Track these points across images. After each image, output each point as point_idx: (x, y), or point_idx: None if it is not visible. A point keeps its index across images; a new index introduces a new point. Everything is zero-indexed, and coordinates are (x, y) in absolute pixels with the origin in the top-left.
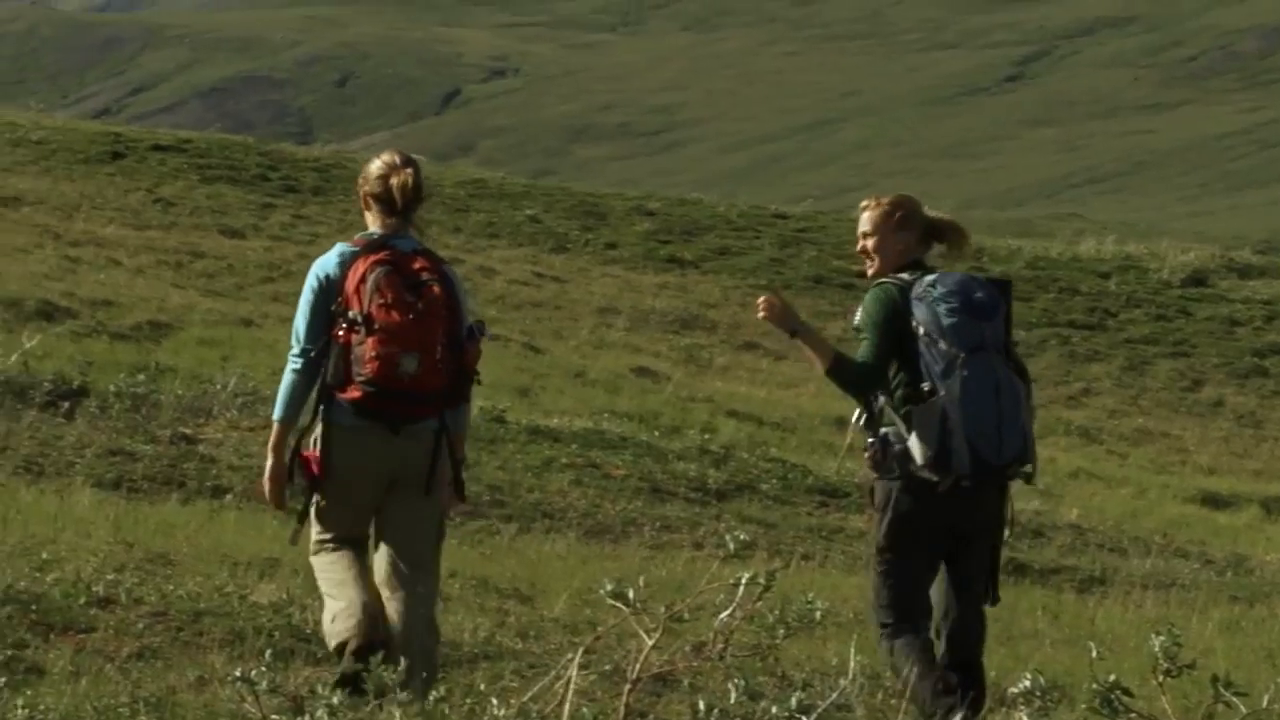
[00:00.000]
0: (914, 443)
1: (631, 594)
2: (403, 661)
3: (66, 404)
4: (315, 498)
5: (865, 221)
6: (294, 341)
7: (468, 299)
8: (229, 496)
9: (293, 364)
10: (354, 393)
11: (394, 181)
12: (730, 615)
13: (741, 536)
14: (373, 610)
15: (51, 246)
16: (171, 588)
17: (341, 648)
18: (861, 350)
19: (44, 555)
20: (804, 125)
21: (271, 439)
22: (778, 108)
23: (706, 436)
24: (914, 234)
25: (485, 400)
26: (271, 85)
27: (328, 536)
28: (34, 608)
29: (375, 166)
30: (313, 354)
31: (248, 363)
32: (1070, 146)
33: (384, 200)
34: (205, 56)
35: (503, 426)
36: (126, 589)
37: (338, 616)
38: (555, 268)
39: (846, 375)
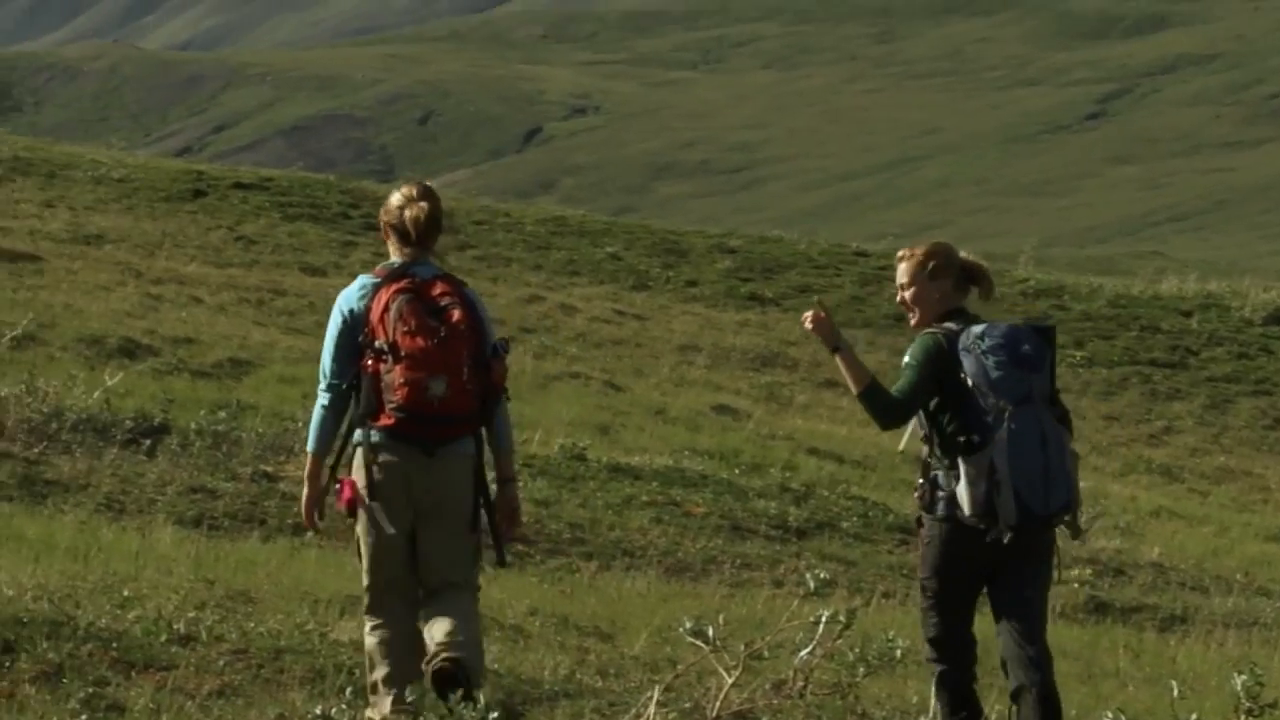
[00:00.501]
0: (962, 492)
1: (711, 632)
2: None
3: (148, 441)
4: (358, 539)
5: (902, 273)
6: (321, 376)
7: (489, 320)
8: (309, 534)
9: (322, 399)
10: (386, 419)
11: (408, 214)
12: (810, 653)
13: (822, 574)
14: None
15: (133, 284)
16: (252, 625)
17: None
18: (898, 384)
19: (125, 593)
20: (885, 163)
21: (307, 469)
22: (859, 145)
23: (787, 474)
24: (949, 281)
25: (566, 438)
26: (353, 123)
27: (377, 585)
28: (115, 645)
29: (395, 199)
30: (341, 387)
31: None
32: (1152, 184)
33: (401, 231)
34: (287, 94)
35: (583, 464)
36: (207, 626)
37: (381, 694)
38: (636, 305)
39: (877, 402)
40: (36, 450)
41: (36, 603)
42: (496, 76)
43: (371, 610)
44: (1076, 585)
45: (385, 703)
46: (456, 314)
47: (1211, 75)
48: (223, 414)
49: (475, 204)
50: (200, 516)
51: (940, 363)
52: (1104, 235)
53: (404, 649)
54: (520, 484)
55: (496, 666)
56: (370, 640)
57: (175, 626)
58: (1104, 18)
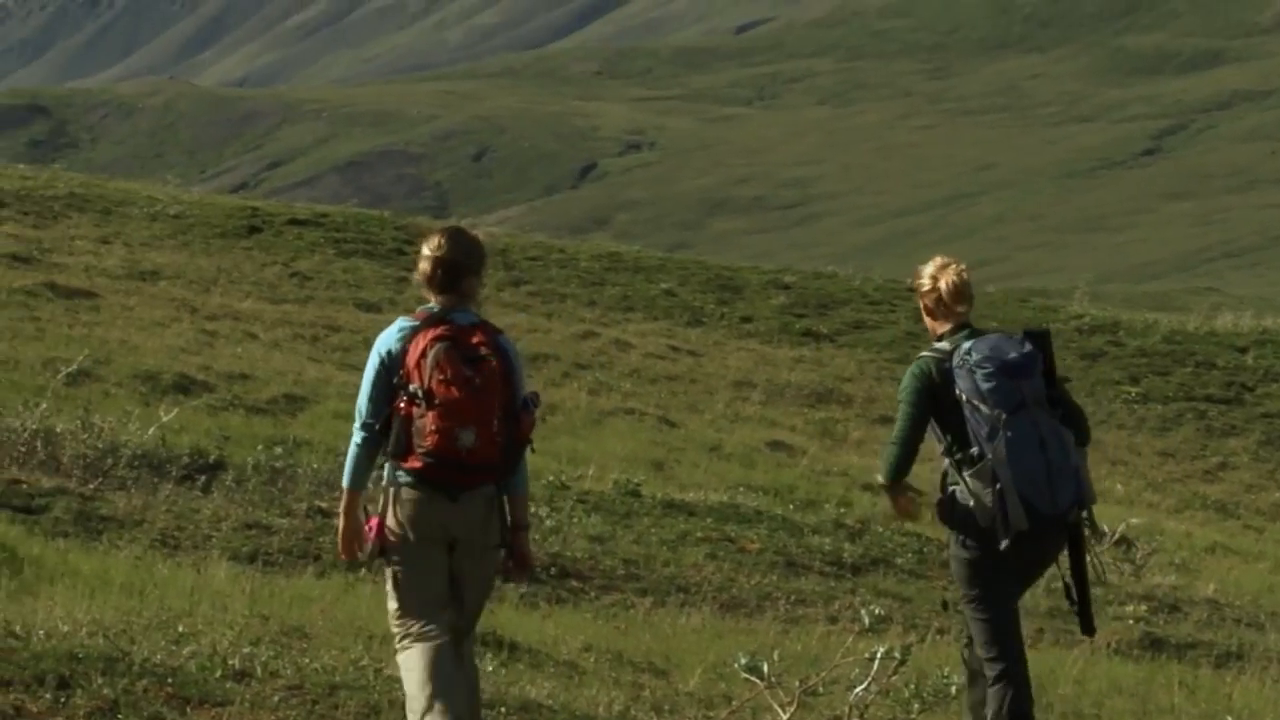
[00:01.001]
0: (974, 504)
1: (766, 668)
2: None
3: (203, 477)
4: (390, 571)
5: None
6: (357, 415)
7: (522, 371)
8: (364, 570)
9: (356, 436)
10: (415, 463)
11: (426, 263)
12: (865, 689)
13: (876, 611)
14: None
15: (188, 320)
16: (307, 661)
17: None
18: (894, 430)
19: (180, 628)
20: (940, 199)
21: (343, 504)
22: (913, 181)
23: (842, 510)
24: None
25: (620, 474)
26: (408, 159)
27: (404, 613)
28: (170, 681)
29: (424, 247)
30: (376, 427)
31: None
32: (1207, 220)
33: (429, 278)
34: (342, 131)
35: (638, 500)
36: (262, 662)
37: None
38: (690, 341)
39: (888, 472)
40: (92, 486)
41: (92, 638)
42: (551, 113)
43: (404, 635)
44: (1132, 621)
45: None
46: (492, 364)
47: (1267, 111)
48: (278, 450)
49: (530, 240)
50: (255, 552)
51: (929, 387)
52: (1159, 271)
53: (439, 666)
54: (533, 531)
55: (551, 702)
56: (401, 661)
57: (230, 662)
58: (1159, 54)
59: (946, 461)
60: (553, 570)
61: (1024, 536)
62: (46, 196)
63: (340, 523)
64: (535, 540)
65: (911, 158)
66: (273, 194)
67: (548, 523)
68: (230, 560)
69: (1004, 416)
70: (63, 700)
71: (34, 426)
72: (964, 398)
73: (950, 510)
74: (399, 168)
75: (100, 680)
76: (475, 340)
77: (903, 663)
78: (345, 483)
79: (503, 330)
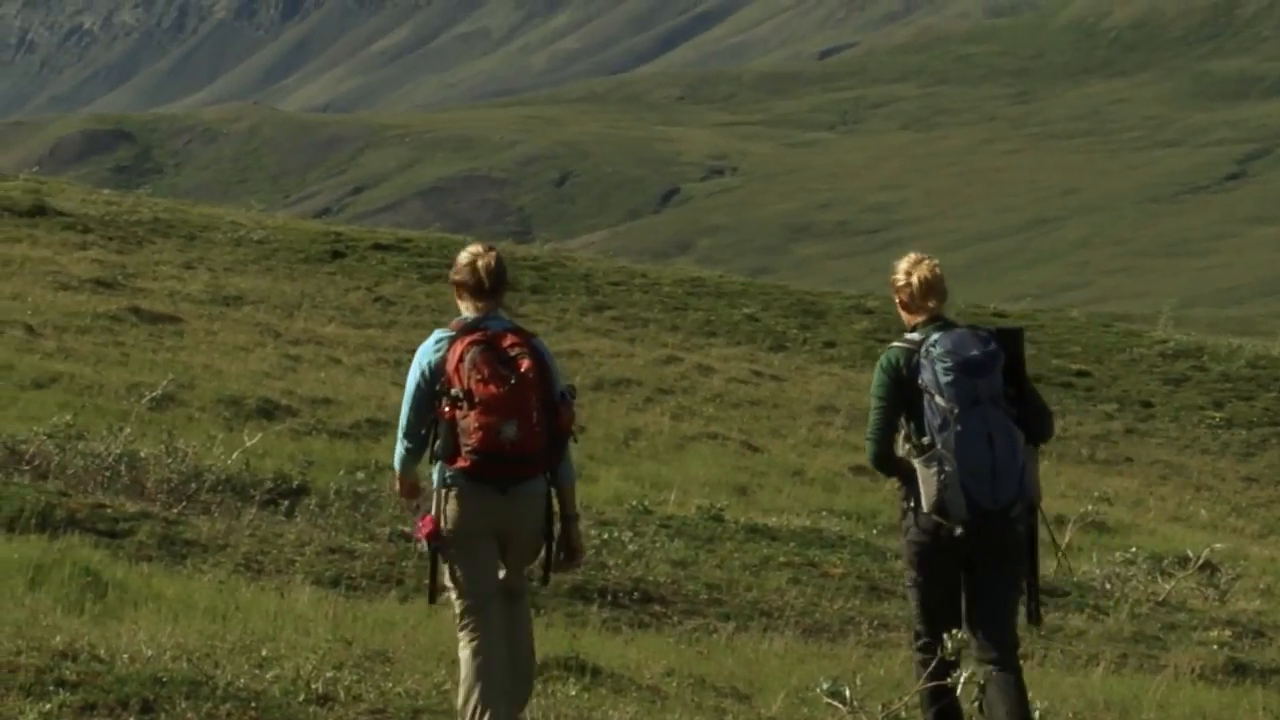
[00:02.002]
0: (920, 490)
1: (849, 693)
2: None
3: (286, 502)
4: (444, 568)
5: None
6: (401, 425)
7: (557, 368)
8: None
9: (401, 445)
10: (463, 462)
11: (480, 265)
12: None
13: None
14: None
15: (272, 345)
16: (390, 685)
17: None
18: (868, 426)
19: (264, 652)
20: (1023, 223)
21: (399, 475)
22: (997, 206)
23: None
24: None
25: (703, 499)
26: (491, 184)
27: (466, 605)
28: (253, 705)
29: (464, 256)
30: (420, 434)
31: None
32: None
33: (473, 284)
34: (425, 156)
35: (720, 525)
36: (345, 686)
37: (470, 710)
38: (773, 366)
39: (873, 465)
40: (176, 510)
41: (175, 662)
42: (634, 138)
43: (467, 627)
44: (1215, 647)
45: None
46: (526, 363)
47: None
48: (361, 474)
49: (612, 265)
50: (338, 577)
51: (897, 378)
52: (1243, 296)
53: (496, 662)
54: (581, 521)
55: None
56: (465, 654)
57: (313, 686)
58: (1243, 78)
59: (907, 446)
60: (635, 595)
61: (965, 527)
62: (131, 222)
63: (398, 487)
64: (618, 565)
65: (994, 182)
66: (356, 219)
67: (630, 547)
68: (313, 585)
69: (957, 410)
70: None
71: (118, 451)
72: (925, 388)
73: (905, 492)
74: (482, 193)
75: (184, 704)
76: (508, 343)
77: (984, 688)
78: (397, 470)
79: (536, 334)
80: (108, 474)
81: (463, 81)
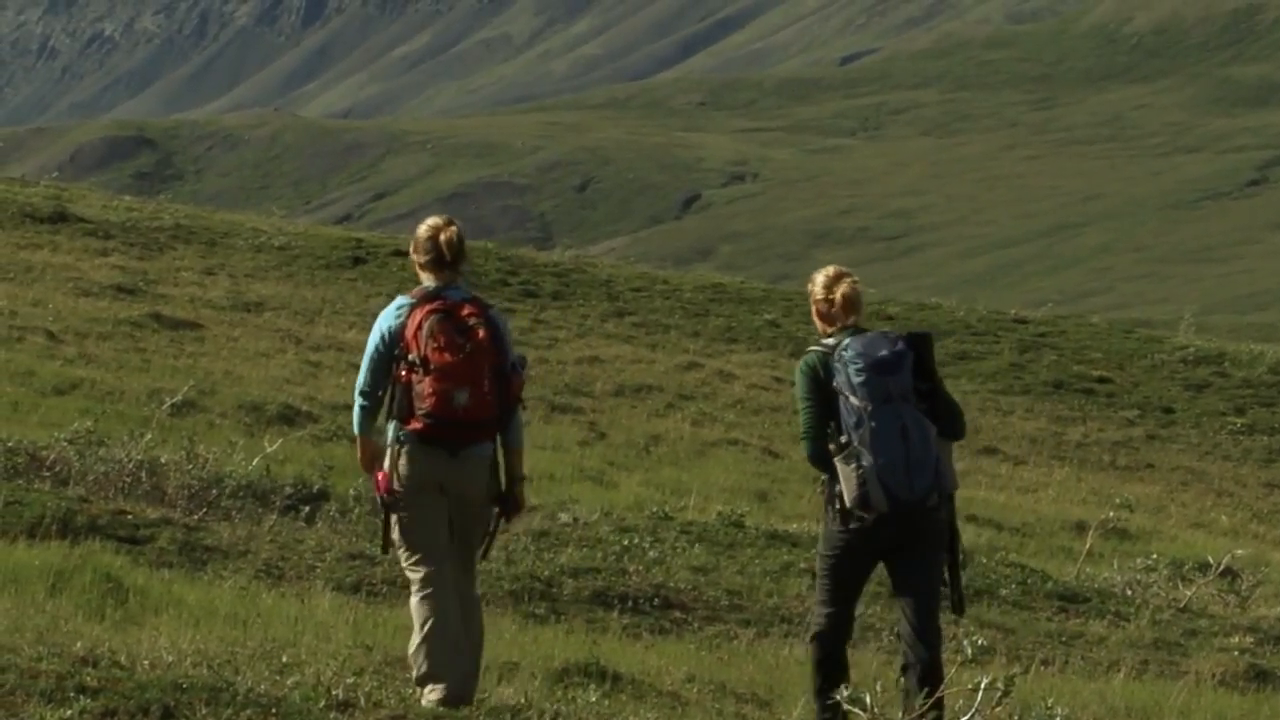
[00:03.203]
0: (841, 486)
1: (868, 699)
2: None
3: (307, 508)
4: (393, 519)
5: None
6: (358, 384)
7: (510, 339)
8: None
9: (359, 403)
10: (416, 424)
11: (442, 238)
12: None
13: (980, 641)
14: (461, 673)
15: (293, 351)
16: (410, 691)
17: (421, 680)
18: (801, 427)
19: (284, 658)
20: (1044, 229)
21: (359, 443)
22: (1018, 212)
23: None
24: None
25: (724, 505)
26: (512, 190)
27: (414, 559)
28: (274, 711)
29: (423, 231)
30: (376, 394)
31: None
32: None
33: (434, 256)
34: (447, 162)
35: (741, 531)
36: (366, 693)
37: (422, 659)
38: (794, 372)
39: (812, 461)
40: (196, 516)
41: (196, 668)
42: (655, 144)
43: (416, 582)
44: (1237, 653)
45: (436, 693)
46: (482, 332)
47: None
48: None
49: (634, 271)
50: (359, 582)
51: (816, 380)
52: (1265, 302)
53: (445, 614)
54: (529, 482)
55: None
56: (416, 599)
57: (334, 693)
58: (1265, 85)
59: (830, 446)
60: (656, 601)
61: (884, 519)
62: (152, 228)
63: (359, 453)
64: (639, 571)
65: (1016, 188)
66: (377, 225)
67: (651, 553)
68: (334, 590)
69: (870, 408)
70: None
71: (139, 457)
72: (839, 389)
73: (829, 492)
74: (503, 199)
75: (204, 710)
76: (466, 312)
77: (1006, 694)
78: (356, 430)
79: (493, 305)
80: (128, 480)
81: (484, 87)
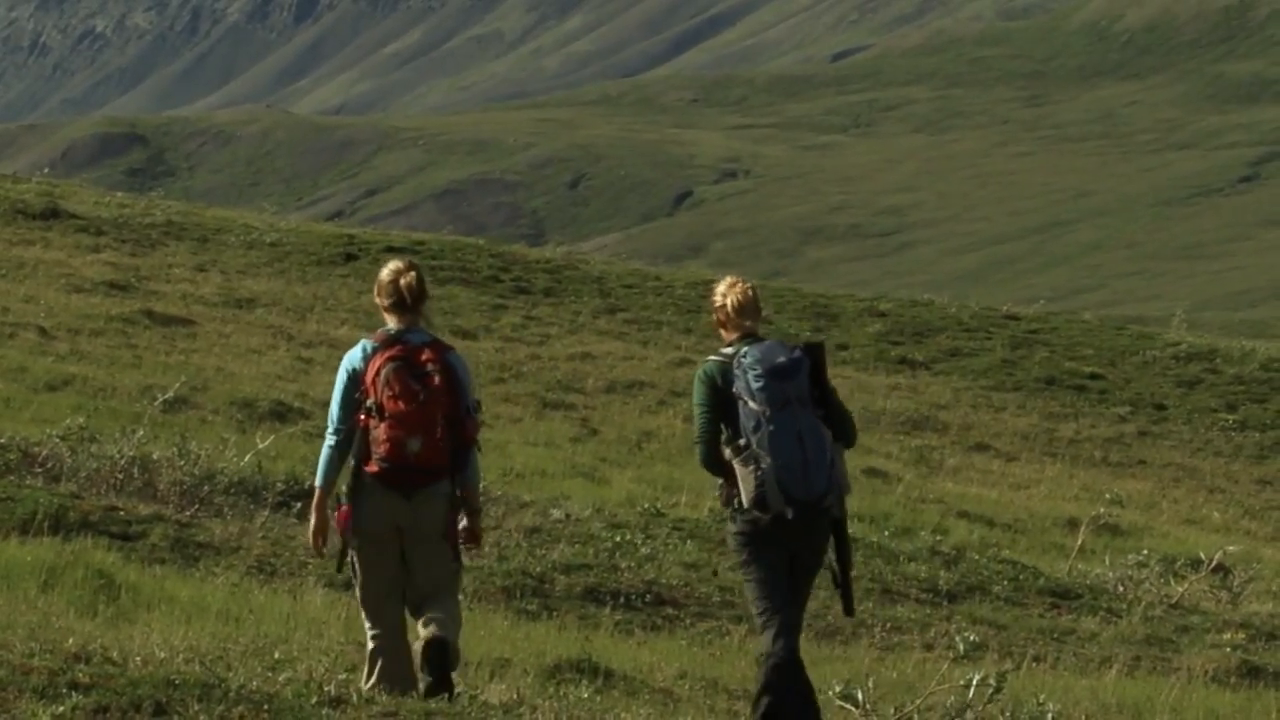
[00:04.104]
0: (740, 488)
1: (861, 695)
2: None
3: (299, 504)
4: (350, 554)
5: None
6: (330, 422)
7: (470, 382)
8: (460, 597)
9: (329, 440)
10: (373, 467)
11: (403, 283)
12: (960, 717)
13: (972, 638)
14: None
15: (285, 348)
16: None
17: (373, 688)
18: (695, 431)
19: (276, 655)
20: (1036, 226)
21: (315, 500)
22: (1010, 209)
23: (937, 538)
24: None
25: (716, 501)
26: (504, 187)
27: (363, 598)
28: (266, 707)
29: (385, 275)
30: (345, 431)
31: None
32: None
33: (395, 300)
34: (439, 159)
35: None
36: (358, 689)
37: (379, 674)
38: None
39: (704, 465)
40: (188, 513)
41: (188, 665)
42: (647, 141)
43: (370, 619)
44: (1229, 649)
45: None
46: (437, 379)
47: None
48: None
49: (626, 268)
50: (351, 579)
51: (714, 388)
52: (1257, 299)
53: (397, 652)
54: (485, 514)
55: None
56: (371, 645)
57: (326, 689)
58: (1257, 81)
59: (728, 450)
60: (648, 597)
61: (783, 518)
62: (144, 224)
63: (312, 520)
64: (631, 567)
65: (1008, 185)
66: (369, 222)
67: (643, 550)
68: (326, 587)
69: (768, 412)
70: None
71: (131, 453)
72: (739, 395)
73: (727, 494)
74: (495, 196)
75: (197, 707)
76: (424, 358)
77: (998, 690)
78: (318, 482)
79: (453, 348)
80: (120, 476)
81: (476, 84)
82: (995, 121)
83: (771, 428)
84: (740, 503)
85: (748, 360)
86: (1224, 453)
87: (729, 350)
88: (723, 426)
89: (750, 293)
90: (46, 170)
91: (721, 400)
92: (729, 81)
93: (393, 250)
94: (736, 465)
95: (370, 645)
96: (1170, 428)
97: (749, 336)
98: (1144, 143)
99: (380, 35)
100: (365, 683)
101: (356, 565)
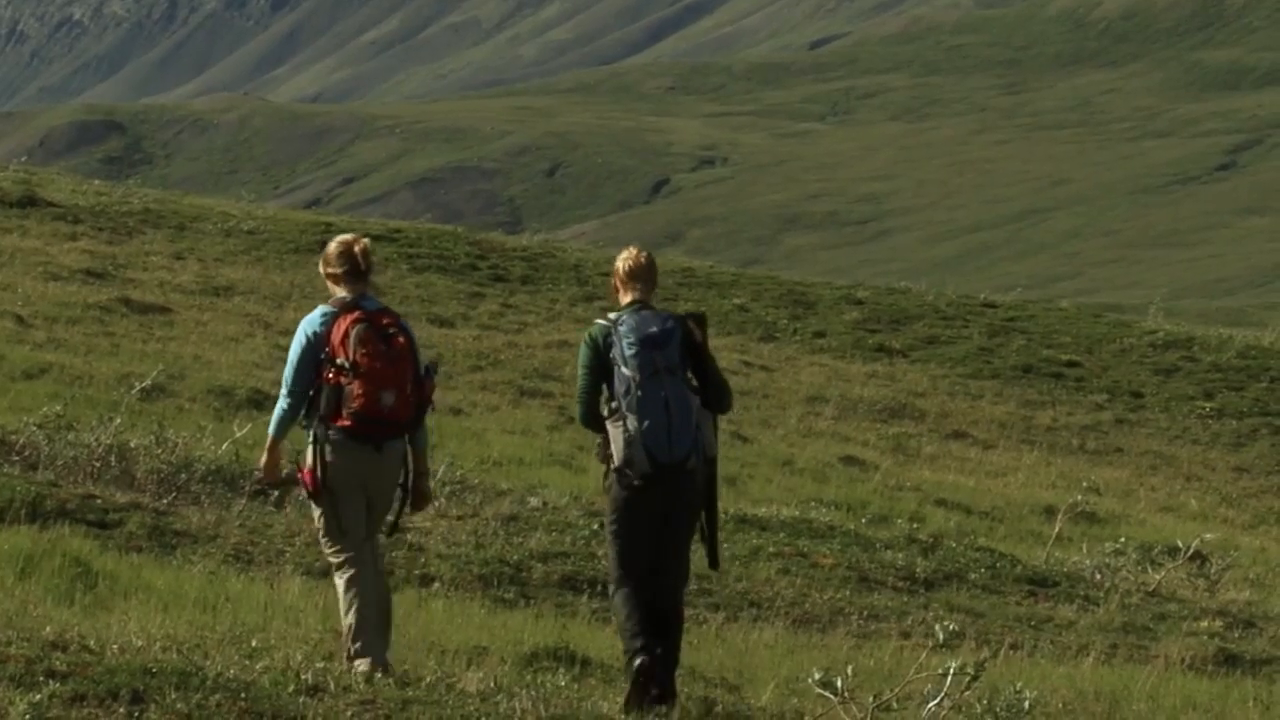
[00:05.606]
0: (612, 448)
1: (839, 683)
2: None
3: (276, 493)
4: (318, 512)
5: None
6: (284, 384)
7: (419, 347)
8: (436, 585)
9: (283, 402)
10: (345, 422)
11: (357, 250)
12: (938, 705)
13: (950, 626)
14: (383, 645)
15: (262, 335)
16: (379, 676)
17: (356, 655)
18: (576, 390)
19: (253, 643)
20: (1014, 214)
21: (268, 445)
22: (987, 197)
23: (915, 525)
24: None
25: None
26: (481, 175)
27: (337, 546)
28: (243, 696)
29: (335, 247)
30: (302, 392)
31: (456, 451)
32: None
33: (350, 268)
34: (416, 147)
35: None
36: (335, 677)
37: (356, 635)
38: (763, 356)
39: (583, 423)
40: (165, 501)
41: (165, 653)
42: (624, 128)
43: (343, 567)
44: (1206, 637)
45: (364, 664)
46: (400, 340)
47: None
48: None
49: (603, 255)
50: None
51: (595, 351)
52: (1234, 287)
53: (370, 593)
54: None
55: (623, 718)
56: (342, 582)
57: (303, 677)
58: (1234, 69)
59: (605, 411)
60: None
61: (650, 478)
62: (121, 212)
63: (265, 458)
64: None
65: (985, 173)
66: (346, 210)
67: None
68: (303, 575)
69: (639, 379)
70: (136, 715)
71: (108, 441)
72: (614, 360)
73: (604, 450)
74: (473, 183)
75: (174, 695)
76: (385, 321)
77: (975, 678)
78: (271, 432)
79: (401, 314)
80: (98, 464)
81: (453, 72)
82: (973, 109)
83: (640, 393)
84: (612, 461)
85: (623, 329)
86: (1201, 440)
87: (612, 315)
88: (603, 387)
89: (644, 259)
90: (24, 158)
91: (601, 363)
92: (706, 69)
93: (370, 238)
94: (609, 425)
95: (344, 577)
96: (1147, 415)
97: (637, 303)
98: (1121, 130)
99: (357, 23)
100: (346, 653)
101: (323, 520)
